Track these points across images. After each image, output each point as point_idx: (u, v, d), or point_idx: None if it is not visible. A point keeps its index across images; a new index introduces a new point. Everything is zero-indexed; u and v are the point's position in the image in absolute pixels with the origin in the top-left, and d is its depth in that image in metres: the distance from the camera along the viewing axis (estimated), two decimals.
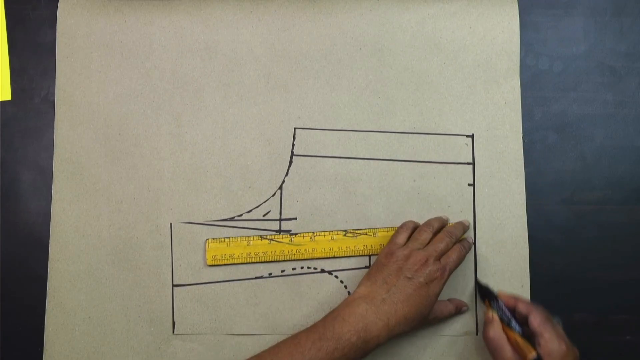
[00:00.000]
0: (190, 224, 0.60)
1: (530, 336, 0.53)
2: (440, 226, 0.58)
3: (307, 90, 0.61)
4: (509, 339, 0.54)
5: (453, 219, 0.60)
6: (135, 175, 0.61)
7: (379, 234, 0.60)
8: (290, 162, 0.61)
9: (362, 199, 0.60)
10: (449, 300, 0.59)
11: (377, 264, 0.56)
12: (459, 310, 0.59)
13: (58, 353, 0.59)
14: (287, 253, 0.60)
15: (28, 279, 0.61)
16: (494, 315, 0.55)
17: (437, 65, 0.61)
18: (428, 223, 0.58)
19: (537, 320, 0.53)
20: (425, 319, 0.55)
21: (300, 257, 0.60)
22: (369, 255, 0.60)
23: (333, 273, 0.60)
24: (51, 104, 0.62)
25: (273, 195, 0.61)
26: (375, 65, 0.61)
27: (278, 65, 0.61)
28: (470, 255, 0.60)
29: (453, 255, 0.56)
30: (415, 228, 0.58)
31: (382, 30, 0.61)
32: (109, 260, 0.60)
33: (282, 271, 0.60)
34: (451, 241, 0.57)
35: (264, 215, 0.60)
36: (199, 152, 0.61)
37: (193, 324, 0.60)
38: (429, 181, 0.61)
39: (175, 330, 0.59)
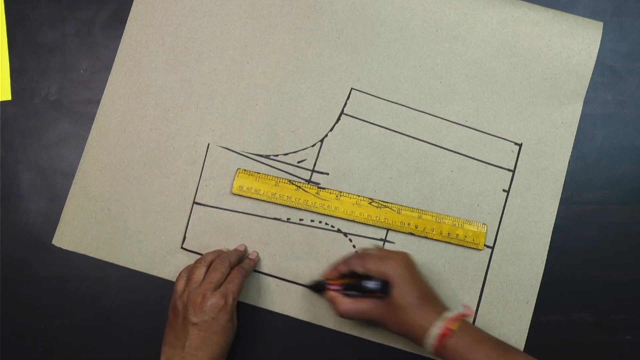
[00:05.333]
0: (227, 150, 0.61)
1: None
2: (213, 258, 0.57)
3: (374, 55, 0.62)
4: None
5: (479, 220, 0.60)
6: (188, 89, 0.62)
7: (402, 212, 0.60)
8: (338, 119, 0.61)
9: (396, 174, 0.61)
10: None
11: (167, 323, 0.55)
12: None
13: (70, 233, 0.61)
14: (310, 204, 0.60)
15: (28, 279, 0.61)
16: (331, 294, 0.55)
17: (506, 68, 0.61)
18: (201, 258, 0.57)
19: (357, 265, 0.54)
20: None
21: (322, 211, 0.60)
22: (387, 229, 0.60)
23: (348, 235, 0.60)
24: (51, 104, 0.63)
25: (312, 146, 0.61)
26: (446, 51, 0.61)
27: (353, 24, 0.62)
28: (481, 258, 0.59)
29: (234, 280, 0.55)
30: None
31: (463, 19, 0.61)
32: (142, 161, 0.61)
33: (301, 220, 0.61)
34: (225, 267, 0.55)
35: (298, 162, 0.61)
36: (254, 85, 0.62)
37: (202, 244, 0.61)
38: (466, 176, 0.61)
39: (184, 244, 0.60)
